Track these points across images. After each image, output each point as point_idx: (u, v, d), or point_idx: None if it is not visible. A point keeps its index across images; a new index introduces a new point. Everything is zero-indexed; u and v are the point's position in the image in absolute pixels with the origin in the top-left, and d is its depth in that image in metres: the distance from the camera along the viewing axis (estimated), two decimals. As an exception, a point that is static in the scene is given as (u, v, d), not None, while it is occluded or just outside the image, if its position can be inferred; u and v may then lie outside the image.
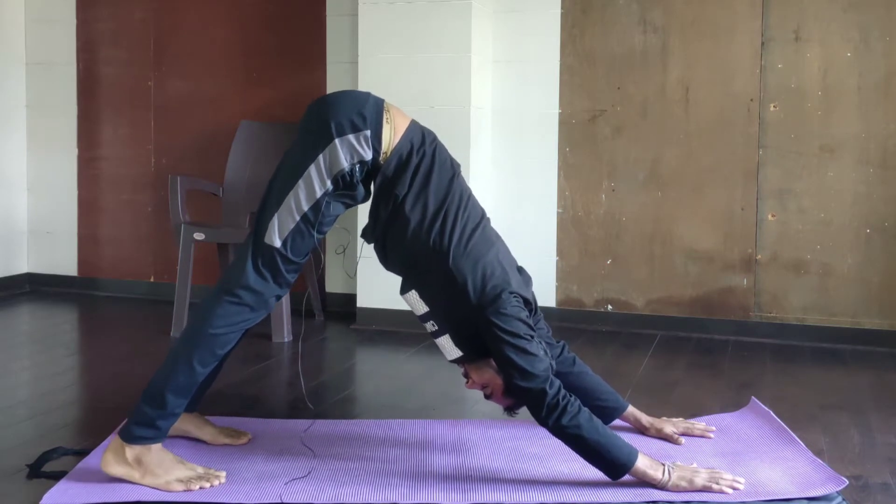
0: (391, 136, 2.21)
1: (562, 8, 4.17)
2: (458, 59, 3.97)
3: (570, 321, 4.19)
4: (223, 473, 2.20)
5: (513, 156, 4.27)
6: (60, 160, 5.08)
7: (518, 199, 4.25)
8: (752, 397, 2.91)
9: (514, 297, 2.18)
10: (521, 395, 2.17)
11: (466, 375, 2.33)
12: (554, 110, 4.20)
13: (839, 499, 2.11)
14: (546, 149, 4.22)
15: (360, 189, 2.23)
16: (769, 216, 3.95)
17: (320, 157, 2.15)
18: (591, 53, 4.15)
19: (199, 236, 3.91)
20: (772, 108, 3.93)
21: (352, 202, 2.25)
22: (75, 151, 5.06)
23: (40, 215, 5.14)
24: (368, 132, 2.17)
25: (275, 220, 2.17)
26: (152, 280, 4.95)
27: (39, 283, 5.13)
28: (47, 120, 5.10)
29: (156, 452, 2.17)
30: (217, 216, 4.44)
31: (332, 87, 4.44)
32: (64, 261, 5.10)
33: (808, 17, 3.87)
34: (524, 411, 2.37)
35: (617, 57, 4.12)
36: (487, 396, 2.33)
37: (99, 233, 5.05)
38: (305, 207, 2.16)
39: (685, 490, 2.11)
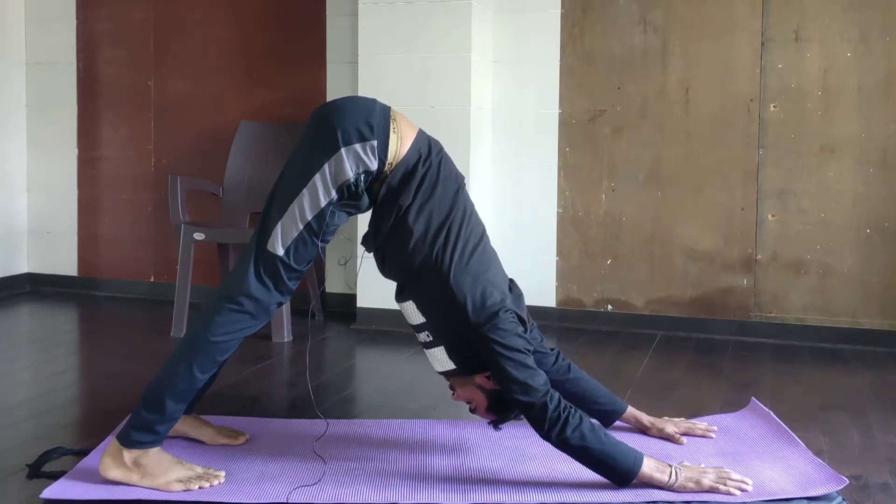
0: (398, 145, 2.19)
1: (562, 8, 4.17)
2: (458, 60, 3.97)
3: (570, 321, 4.19)
4: (222, 473, 2.19)
5: (513, 156, 4.26)
6: (60, 160, 5.08)
7: (518, 198, 4.25)
8: (753, 398, 2.90)
9: (510, 313, 2.18)
10: (522, 410, 2.16)
11: (452, 388, 2.35)
12: (554, 110, 4.20)
13: (839, 499, 2.11)
14: (546, 149, 4.22)
15: (365, 198, 2.22)
16: (769, 216, 3.95)
17: (326, 166, 2.13)
18: (591, 53, 4.15)
19: (199, 236, 3.91)
20: (772, 108, 3.92)
21: (355, 211, 2.23)
22: (75, 151, 5.06)
23: (40, 215, 5.14)
24: (375, 142, 2.14)
25: (278, 229, 2.16)
26: (152, 280, 4.95)
27: (39, 283, 5.13)
28: (47, 120, 5.10)
29: (154, 454, 2.17)
30: (217, 216, 4.44)
31: (331, 86, 4.44)
32: (64, 261, 5.10)
33: (808, 17, 3.87)
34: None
35: (617, 57, 4.11)
36: (472, 410, 2.35)
37: (99, 233, 5.05)
38: (309, 216, 2.15)
39: (692, 491, 2.10)
